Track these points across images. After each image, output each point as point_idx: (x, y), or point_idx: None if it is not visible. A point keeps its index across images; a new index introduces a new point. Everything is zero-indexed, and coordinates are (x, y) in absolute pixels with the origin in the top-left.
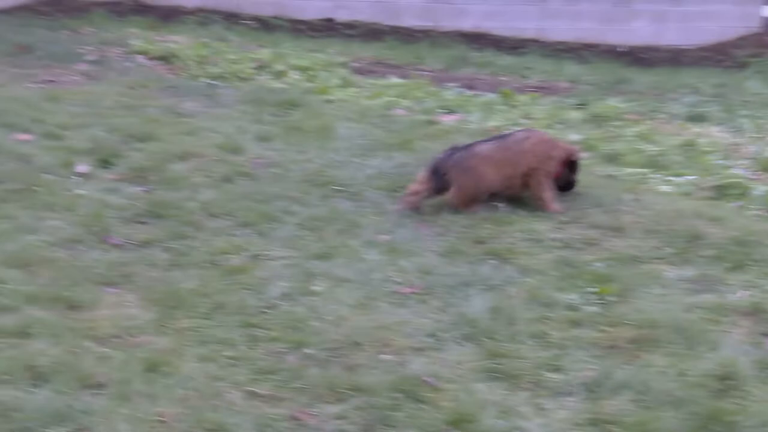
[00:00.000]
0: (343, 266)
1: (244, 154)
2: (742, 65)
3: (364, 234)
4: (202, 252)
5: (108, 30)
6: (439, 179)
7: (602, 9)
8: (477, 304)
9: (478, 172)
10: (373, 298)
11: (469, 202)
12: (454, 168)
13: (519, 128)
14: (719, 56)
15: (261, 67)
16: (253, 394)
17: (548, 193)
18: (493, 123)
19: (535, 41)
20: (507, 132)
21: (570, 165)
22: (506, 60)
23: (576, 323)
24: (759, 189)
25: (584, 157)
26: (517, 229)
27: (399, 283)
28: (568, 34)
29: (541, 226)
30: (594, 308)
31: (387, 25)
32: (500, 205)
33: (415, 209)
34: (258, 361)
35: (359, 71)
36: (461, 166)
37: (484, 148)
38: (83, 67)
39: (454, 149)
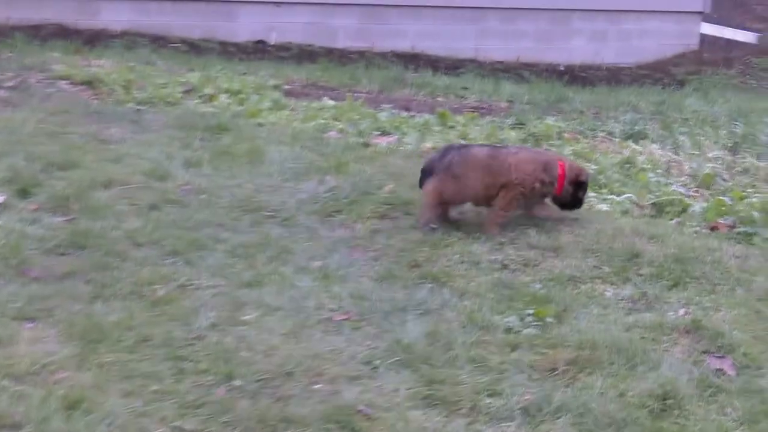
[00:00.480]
0: (274, 294)
1: (172, 181)
2: (681, 83)
3: (296, 260)
4: (126, 283)
5: (28, 54)
6: (424, 181)
7: (540, 28)
8: (413, 330)
9: (465, 180)
10: (306, 326)
11: (435, 209)
12: (443, 171)
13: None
14: (658, 74)
15: (190, 91)
16: (180, 430)
17: (502, 214)
18: (429, 144)
19: (472, 61)
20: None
21: (578, 185)
22: (443, 80)
23: (514, 346)
24: (697, 206)
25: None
26: (454, 251)
27: (332, 310)
28: (506, 54)
29: (478, 247)
30: (532, 330)
31: (321, 47)
32: (436, 227)
33: (436, 224)
34: (185, 395)
35: (292, 94)
36: (449, 170)
37: (479, 153)
38: (1, 93)
39: (449, 149)
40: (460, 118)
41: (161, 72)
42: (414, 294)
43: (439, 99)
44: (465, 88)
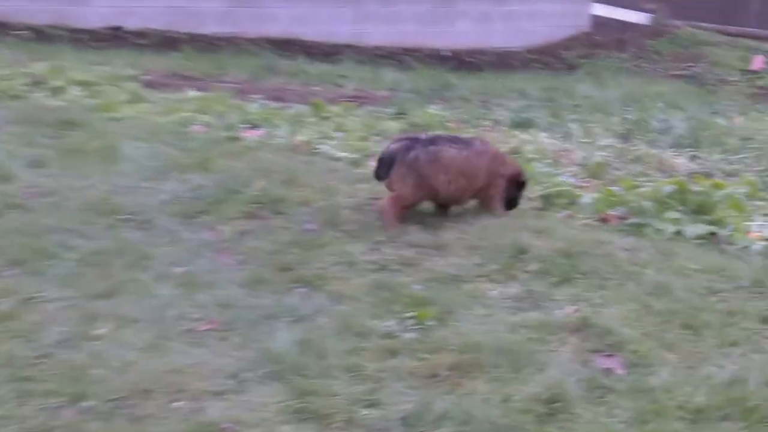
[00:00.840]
0: (131, 304)
1: (14, 183)
2: (572, 67)
3: (155, 267)
4: None
5: None
6: (384, 172)
7: (422, 10)
8: (283, 338)
9: (429, 180)
10: (166, 339)
11: (401, 209)
12: (405, 166)
13: (474, 137)
14: (548, 58)
15: (36, 83)
16: None
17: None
18: (302, 137)
19: (350, 46)
20: (466, 137)
21: (518, 185)
22: (319, 68)
23: (393, 352)
24: (587, 197)
25: None
26: (327, 252)
27: (196, 320)
28: (386, 38)
29: (354, 247)
30: (412, 335)
31: (184, 33)
32: (310, 226)
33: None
34: (28, 420)
35: (151, 85)
36: (413, 166)
37: (449, 154)
38: None
39: (413, 141)
40: (336, 108)
41: (3, 62)
42: (285, 300)
43: (315, 88)
44: (342, 76)
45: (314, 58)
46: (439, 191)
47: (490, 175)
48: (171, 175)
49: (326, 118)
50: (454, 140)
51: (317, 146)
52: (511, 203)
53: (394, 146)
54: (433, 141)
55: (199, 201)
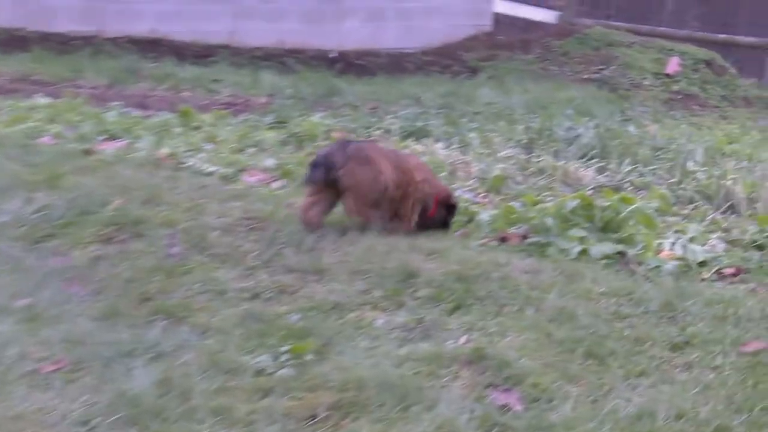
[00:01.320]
0: None
1: None
2: (472, 70)
3: None
4: None
5: None
6: (325, 176)
7: (307, 7)
8: (141, 378)
9: (379, 166)
10: (6, 382)
11: (372, 205)
12: (351, 160)
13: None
14: (446, 60)
15: None
16: None
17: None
18: (167, 149)
19: (226, 47)
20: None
21: (449, 208)
22: (190, 71)
23: (266, 391)
24: (485, 214)
25: (278, 187)
26: (194, 279)
27: (41, 360)
28: (266, 38)
29: (223, 274)
30: (288, 371)
31: (34, 32)
32: (174, 250)
33: (316, 228)
34: None
35: None
36: (359, 157)
37: (383, 148)
38: None
39: (347, 141)
40: (207, 117)
41: None
42: (144, 334)
43: (185, 94)
44: (216, 81)
45: (185, 60)
46: (388, 184)
47: (414, 187)
48: (14, 194)
49: (196, 128)
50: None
51: (184, 160)
52: (442, 227)
53: (326, 149)
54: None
55: (46, 223)
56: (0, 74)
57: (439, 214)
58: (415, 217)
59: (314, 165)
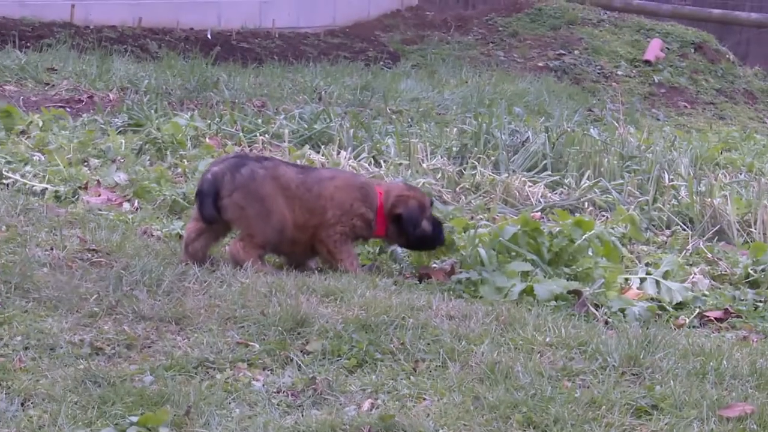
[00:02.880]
0: None
1: None
2: (393, 56)
3: None
4: None
5: None
6: (210, 206)
7: None
8: None
9: (271, 205)
10: None
11: (260, 247)
12: (238, 191)
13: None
14: (358, 43)
15: None
16: None
17: (345, 256)
18: None
19: (67, 25)
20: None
21: (396, 219)
22: (15, 57)
23: None
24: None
25: (129, 210)
26: (14, 331)
27: None
28: (121, 14)
29: (54, 323)
30: None
31: None
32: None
33: (200, 260)
34: None
35: None
36: (248, 189)
37: (289, 172)
38: None
39: (241, 159)
40: (37, 118)
41: None
42: None
43: (8, 87)
44: (51, 70)
45: (8, 42)
46: (284, 226)
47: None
48: None
49: (22, 133)
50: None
51: (5, 174)
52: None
53: (216, 168)
54: (266, 158)
55: None
56: None
57: (391, 232)
58: (350, 252)
59: (200, 194)
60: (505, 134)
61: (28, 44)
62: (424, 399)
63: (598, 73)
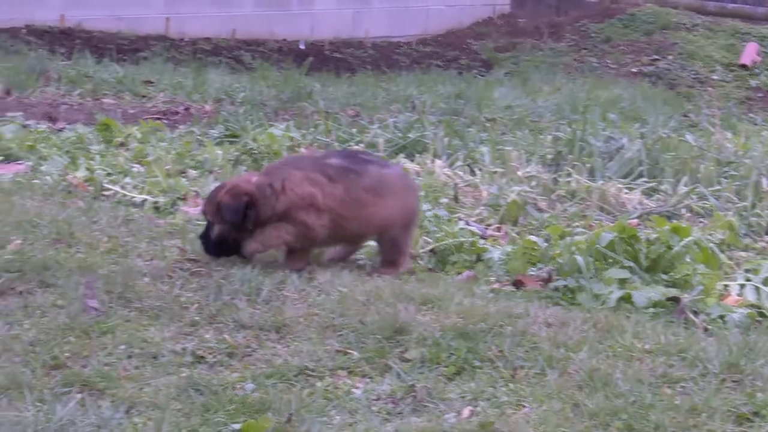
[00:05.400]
0: None
1: None
2: (486, 64)
3: None
4: None
5: None
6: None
7: None
8: None
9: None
10: None
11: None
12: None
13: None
14: (451, 51)
15: None
16: None
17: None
18: (82, 173)
19: (162, 38)
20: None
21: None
22: (113, 71)
23: None
24: (496, 251)
25: None
26: (117, 340)
27: None
28: (215, 27)
29: (156, 333)
30: None
31: None
32: (92, 302)
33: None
34: None
35: None
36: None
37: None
38: None
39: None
40: (136, 131)
41: None
42: (54, 411)
43: (107, 101)
44: (148, 83)
45: (107, 56)
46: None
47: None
48: None
49: (121, 145)
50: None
51: (106, 186)
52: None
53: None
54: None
55: None
56: None
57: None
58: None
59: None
60: (599, 141)
61: (125, 57)
62: (524, 406)
63: (693, 78)
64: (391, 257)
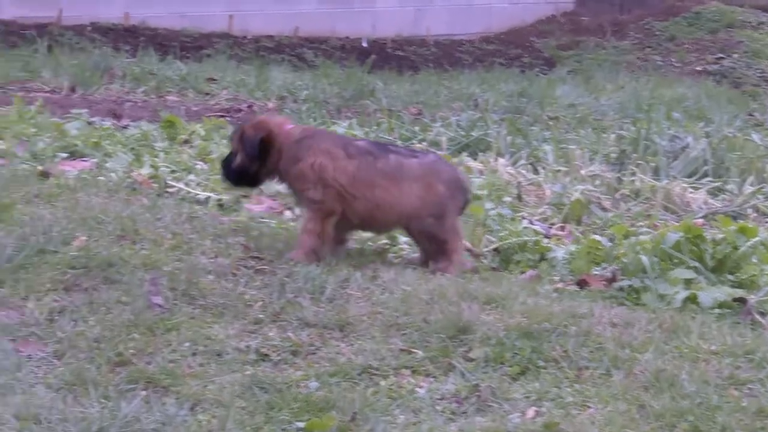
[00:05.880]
0: None
1: None
2: (548, 62)
3: None
4: None
5: None
6: None
7: None
8: None
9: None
10: None
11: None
12: None
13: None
14: (513, 50)
15: None
16: None
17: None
18: (147, 170)
19: (225, 36)
20: None
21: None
22: (177, 68)
23: None
24: (560, 251)
25: (291, 218)
26: (182, 337)
27: None
28: (278, 24)
29: (221, 330)
30: None
31: None
32: (156, 299)
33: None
34: None
35: None
36: None
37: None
38: None
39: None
40: (200, 128)
41: None
42: (118, 408)
43: (170, 98)
44: (212, 80)
45: (171, 53)
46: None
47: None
48: None
49: (185, 143)
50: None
51: (170, 183)
52: None
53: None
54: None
55: None
56: None
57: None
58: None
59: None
60: (664, 140)
61: (188, 55)
62: (589, 407)
63: (759, 77)
64: (435, 250)
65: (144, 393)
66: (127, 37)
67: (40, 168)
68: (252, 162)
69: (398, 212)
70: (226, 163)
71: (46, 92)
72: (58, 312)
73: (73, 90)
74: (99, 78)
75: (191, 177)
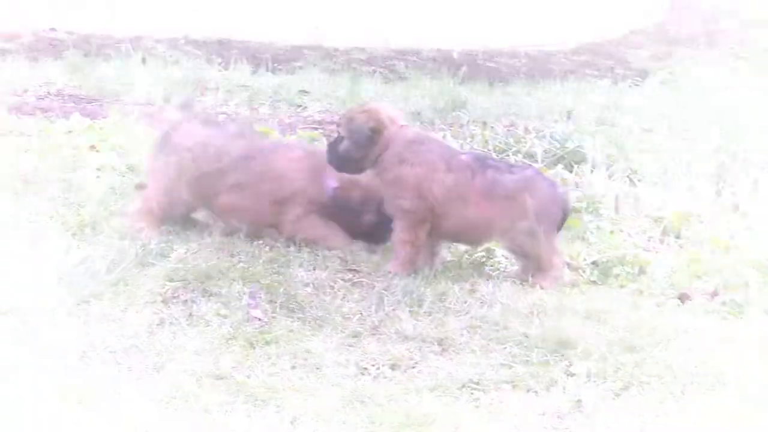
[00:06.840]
0: None
1: None
2: (642, 74)
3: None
4: None
5: None
6: None
7: None
8: None
9: None
10: None
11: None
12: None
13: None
14: (607, 61)
15: None
16: None
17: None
18: None
19: (317, 48)
20: None
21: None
22: (267, 80)
23: None
24: (661, 264)
25: None
26: (281, 351)
27: None
28: (368, 35)
29: (320, 343)
30: None
31: (67, 32)
32: (255, 312)
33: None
34: None
35: (21, 110)
36: None
37: None
38: None
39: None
40: (293, 141)
41: None
42: (218, 422)
43: (262, 110)
44: (303, 92)
45: (261, 66)
46: None
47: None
48: (50, 242)
49: None
50: None
51: None
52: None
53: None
54: None
55: (90, 279)
56: (24, 88)
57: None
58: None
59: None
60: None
61: (280, 67)
62: (695, 425)
63: None
64: (530, 265)
65: (244, 407)
66: (220, 49)
67: (137, 180)
68: (358, 149)
69: (488, 229)
70: (333, 146)
71: (141, 104)
72: (157, 324)
73: (166, 102)
74: (192, 90)
75: None
